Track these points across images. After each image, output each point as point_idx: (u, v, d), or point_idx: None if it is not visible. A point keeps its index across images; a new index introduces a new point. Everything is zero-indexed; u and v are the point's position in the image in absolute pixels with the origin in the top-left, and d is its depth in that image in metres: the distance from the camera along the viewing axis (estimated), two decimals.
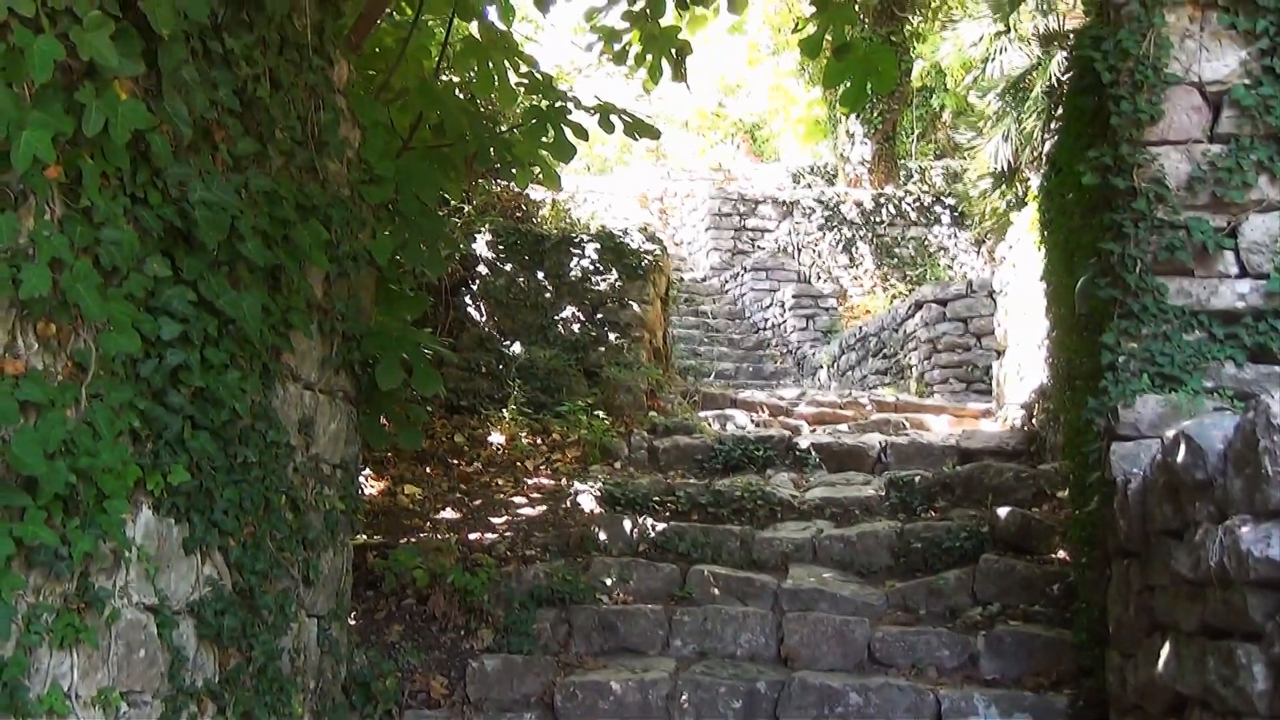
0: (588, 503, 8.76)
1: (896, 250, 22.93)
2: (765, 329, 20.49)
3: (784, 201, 23.70)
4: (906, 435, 10.75)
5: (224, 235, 4.33)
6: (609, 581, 7.72)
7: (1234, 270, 5.72)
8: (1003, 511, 8.06)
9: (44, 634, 3.50)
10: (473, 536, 8.21)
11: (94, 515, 3.68)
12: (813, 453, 10.03)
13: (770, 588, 7.66)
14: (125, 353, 3.88)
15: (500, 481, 9.26)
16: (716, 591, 7.67)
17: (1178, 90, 5.80)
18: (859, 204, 23.25)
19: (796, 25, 22.68)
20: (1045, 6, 14.29)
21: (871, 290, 22.48)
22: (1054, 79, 12.74)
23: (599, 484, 9.00)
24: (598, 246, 11.54)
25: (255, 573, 4.80)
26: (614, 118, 7.44)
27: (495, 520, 8.55)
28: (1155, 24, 5.76)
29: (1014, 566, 7.53)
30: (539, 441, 9.97)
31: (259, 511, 4.85)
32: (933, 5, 21.82)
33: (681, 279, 21.09)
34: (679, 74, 8.08)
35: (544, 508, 8.74)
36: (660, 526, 8.37)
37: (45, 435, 3.47)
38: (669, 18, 8.10)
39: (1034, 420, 9.86)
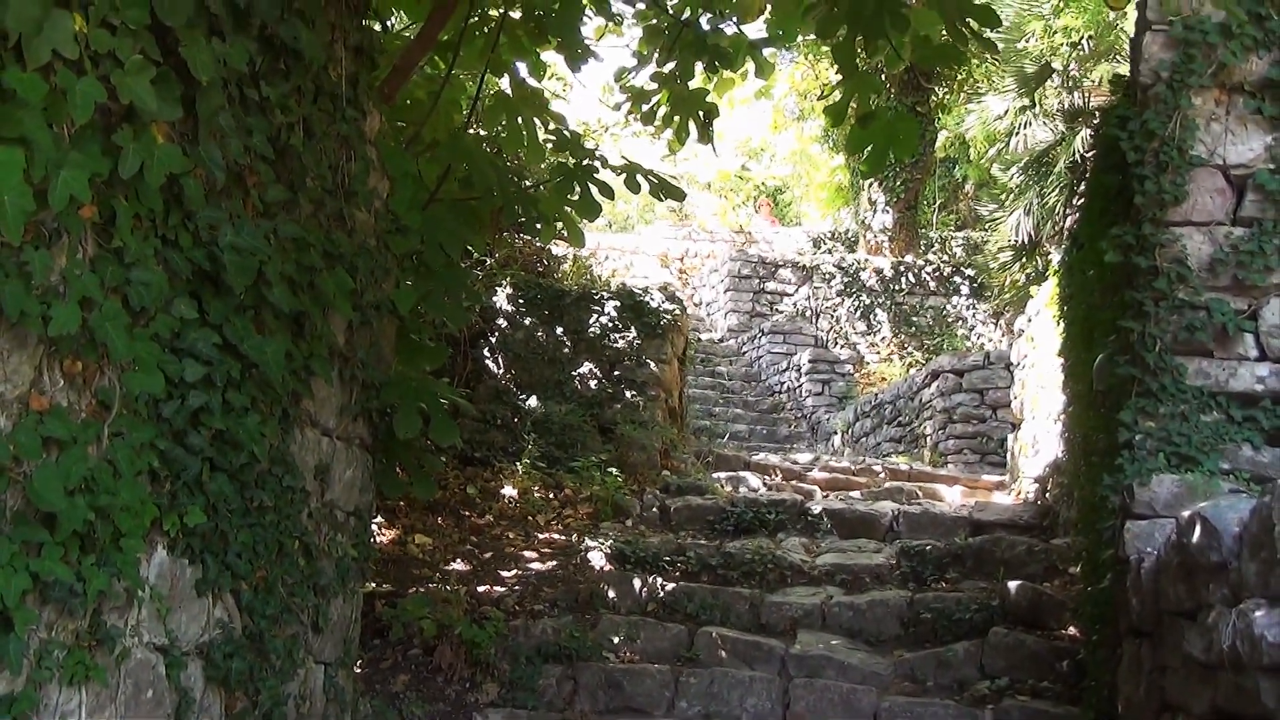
0: (598, 560, 8.75)
1: (914, 319, 22.78)
2: (780, 392, 20.48)
3: (804, 266, 23.64)
4: (919, 504, 10.72)
5: (251, 280, 4.37)
6: (616, 640, 7.71)
7: (1254, 353, 5.74)
8: (1014, 585, 8.03)
9: (54, 670, 3.50)
10: (481, 589, 8.21)
11: (110, 553, 3.69)
12: (825, 518, 10.01)
13: (778, 653, 7.63)
14: (149, 393, 3.90)
15: (511, 535, 9.25)
16: (724, 654, 7.64)
17: (1202, 172, 5.84)
18: (879, 271, 23.14)
19: (823, 93, 22.83)
20: (1070, 83, 14.37)
21: (888, 358, 22.40)
22: (1078, 155, 12.78)
23: (610, 541, 8.99)
24: (617, 304, 11.60)
25: (265, 617, 4.80)
26: (640, 178, 7.50)
27: (505, 574, 8.54)
28: (1181, 106, 5.81)
29: (1024, 641, 7.49)
30: (551, 496, 9.96)
31: (272, 556, 4.85)
32: (958, 78, 21.93)
33: (699, 339, 21.04)
34: (705, 136, 8.14)
35: (554, 563, 8.73)
36: (670, 586, 8.36)
37: (66, 471, 3.49)
38: (697, 80, 8.18)
39: (1048, 494, 9.83)
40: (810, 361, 19.70)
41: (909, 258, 23.67)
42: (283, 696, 4.96)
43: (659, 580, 8.44)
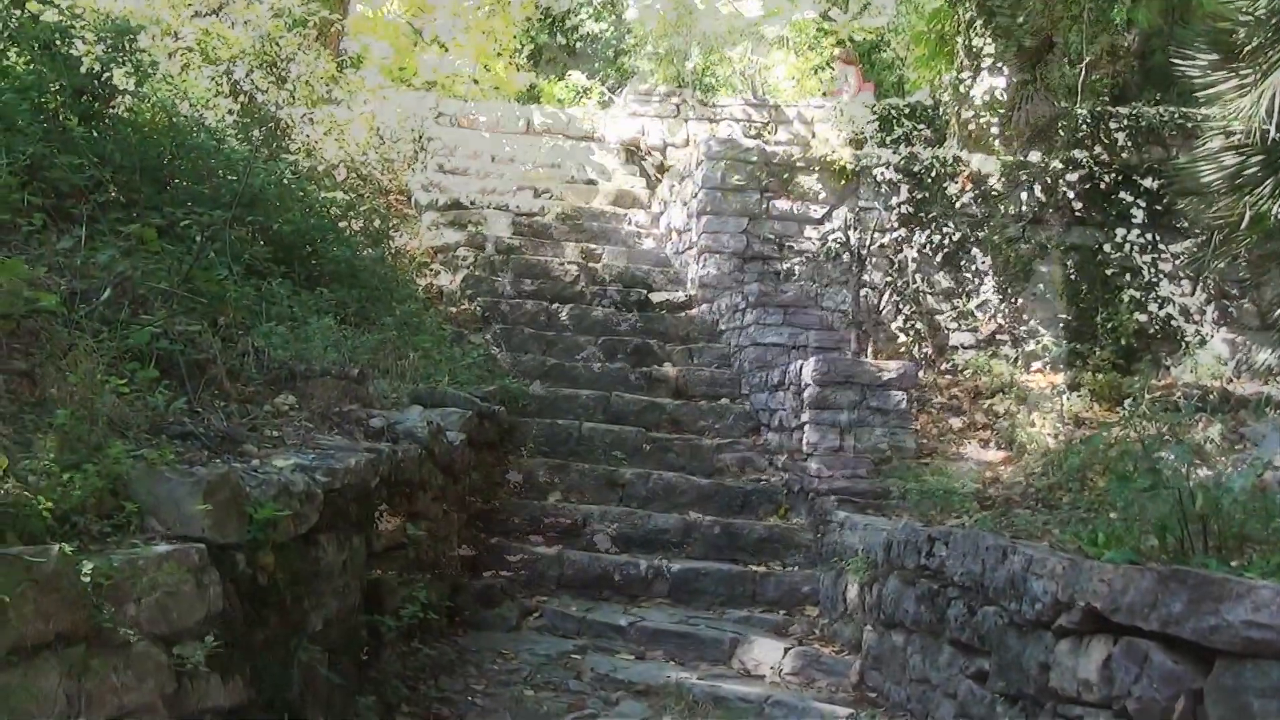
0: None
1: (1043, 269, 13.53)
2: (768, 426, 10.82)
3: (843, 168, 13.59)
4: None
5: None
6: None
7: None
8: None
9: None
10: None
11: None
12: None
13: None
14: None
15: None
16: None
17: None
18: (979, 179, 13.58)
19: None
20: None
21: (993, 338, 13.30)
22: None
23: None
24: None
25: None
26: None
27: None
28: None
29: None
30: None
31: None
32: None
33: (645, 297, 13.28)
34: None
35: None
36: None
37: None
38: None
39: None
40: (818, 385, 9.41)
41: (1035, 155, 13.80)
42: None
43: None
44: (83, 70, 7.64)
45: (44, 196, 6.12)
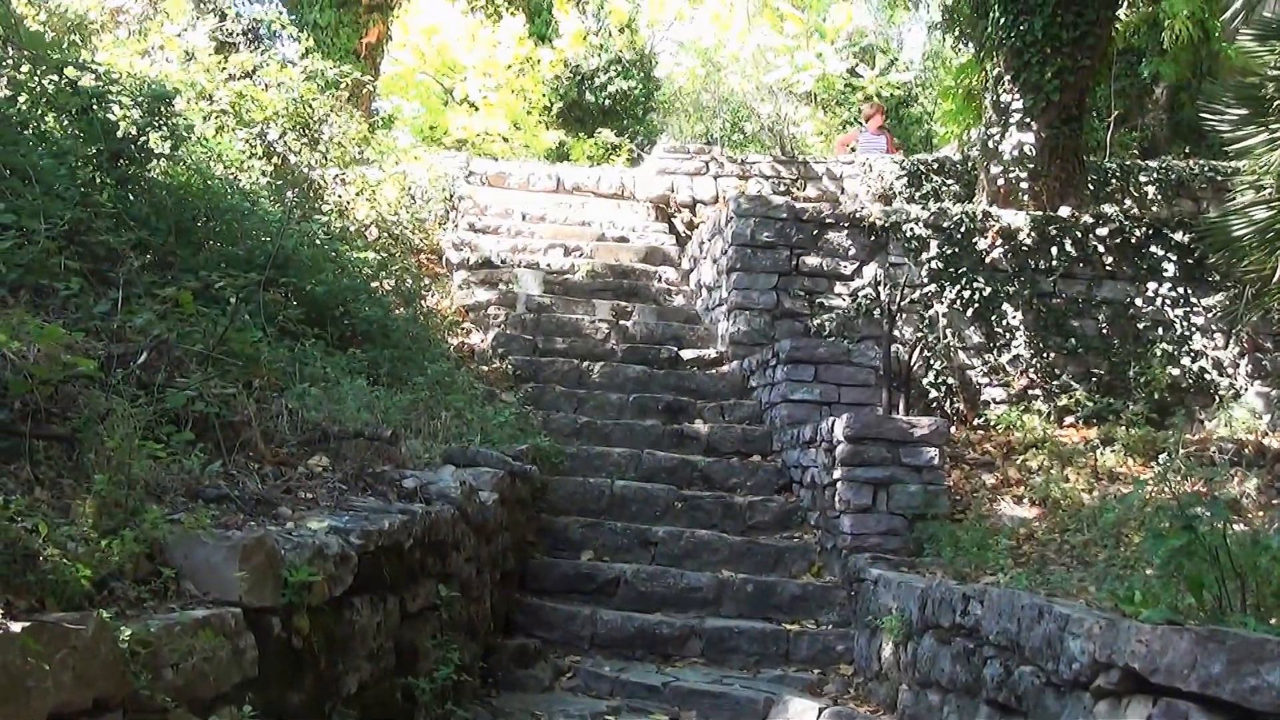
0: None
1: (1074, 323, 13.31)
2: (799, 483, 10.54)
3: (872, 225, 13.29)
4: None
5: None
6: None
7: None
8: None
9: None
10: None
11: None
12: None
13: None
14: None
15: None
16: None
17: None
18: (1010, 235, 13.34)
19: None
20: None
21: (1025, 393, 12.99)
22: None
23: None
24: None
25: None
26: None
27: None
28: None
29: None
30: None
31: None
32: None
33: (675, 354, 13.20)
34: None
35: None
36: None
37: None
38: None
39: None
40: (850, 441, 9.15)
41: (1065, 210, 13.84)
42: None
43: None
44: (119, 135, 7.76)
45: (81, 260, 6.21)
